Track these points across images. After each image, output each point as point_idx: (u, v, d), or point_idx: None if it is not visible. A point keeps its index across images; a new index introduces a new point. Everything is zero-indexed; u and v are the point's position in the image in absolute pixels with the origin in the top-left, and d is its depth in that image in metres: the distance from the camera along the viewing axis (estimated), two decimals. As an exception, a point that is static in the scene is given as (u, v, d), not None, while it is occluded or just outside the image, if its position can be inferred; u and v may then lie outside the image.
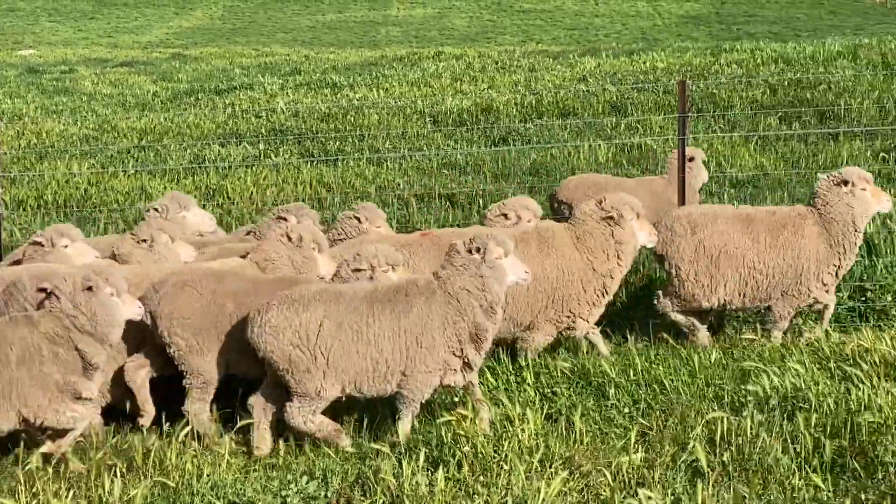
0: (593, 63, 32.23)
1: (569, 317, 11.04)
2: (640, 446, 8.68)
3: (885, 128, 21.19)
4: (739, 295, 11.41)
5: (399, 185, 19.21)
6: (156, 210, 12.94)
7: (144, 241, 11.44)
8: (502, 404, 9.39)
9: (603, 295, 11.08)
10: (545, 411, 9.50)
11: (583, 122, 23.05)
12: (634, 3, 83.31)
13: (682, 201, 13.59)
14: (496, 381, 10.29)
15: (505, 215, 12.04)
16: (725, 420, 8.70)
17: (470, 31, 67.62)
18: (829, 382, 9.13)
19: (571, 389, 10.06)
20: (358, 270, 9.95)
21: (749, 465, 8.20)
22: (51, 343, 8.96)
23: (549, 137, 22.10)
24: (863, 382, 8.98)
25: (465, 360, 9.32)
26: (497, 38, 62.53)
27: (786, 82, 25.09)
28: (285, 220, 12.15)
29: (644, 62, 31.13)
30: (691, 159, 14.74)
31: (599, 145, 20.80)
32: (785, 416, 8.82)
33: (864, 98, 23.11)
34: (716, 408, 9.32)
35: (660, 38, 62.61)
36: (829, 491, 7.81)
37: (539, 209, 12.24)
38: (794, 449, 8.33)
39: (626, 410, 9.63)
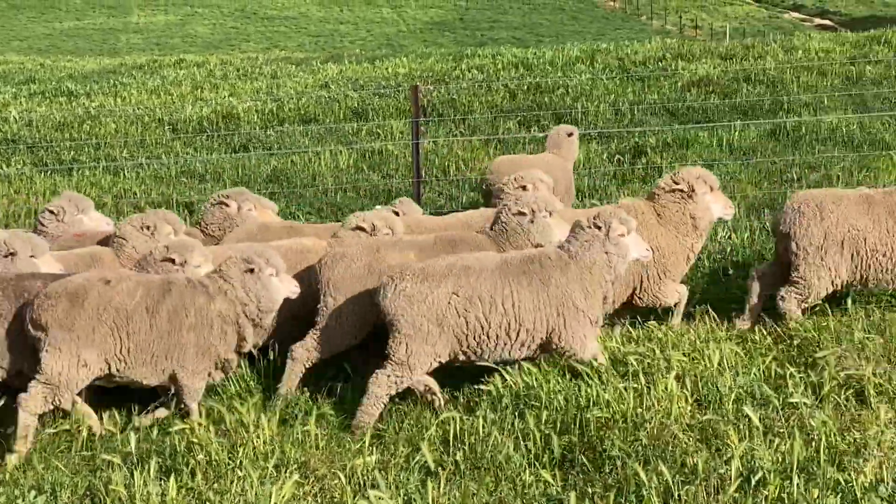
0: (336, 69, 32.18)
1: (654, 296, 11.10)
2: (375, 448, 8.68)
3: (620, 130, 21.71)
4: (860, 279, 11.00)
5: (136, 193, 18.82)
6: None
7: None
8: (236, 410, 9.27)
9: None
10: (279, 416, 9.40)
11: (324, 128, 22.99)
12: (379, 10, 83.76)
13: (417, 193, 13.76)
14: (233, 386, 10.14)
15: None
16: (458, 420, 8.75)
17: (213, 38, 66.98)
18: (560, 380, 9.24)
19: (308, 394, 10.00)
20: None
21: (481, 462, 8.28)
22: (221, 321, 9.59)
23: (290, 144, 21.98)
24: (591, 379, 9.12)
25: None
26: (241, 45, 62.18)
27: (525, 87, 25.47)
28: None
29: (387, 68, 31.20)
30: (570, 134, 15.70)
31: (341, 151, 20.77)
32: (517, 414, 8.91)
33: (600, 101, 23.61)
34: (451, 408, 9.38)
35: (405, 43, 63.23)
36: (558, 486, 7.94)
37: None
38: (526, 446, 8.43)
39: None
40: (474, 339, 9.38)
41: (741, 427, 8.29)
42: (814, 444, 7.88)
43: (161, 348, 9.42)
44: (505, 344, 9.43)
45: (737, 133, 20.41)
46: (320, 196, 18.34)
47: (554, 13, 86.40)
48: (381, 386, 9.34)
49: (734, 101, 22.95)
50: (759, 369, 9.43)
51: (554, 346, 9.47)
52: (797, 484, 7.38)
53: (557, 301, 9.38)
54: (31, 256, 10.43)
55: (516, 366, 9.54)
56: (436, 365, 9.45)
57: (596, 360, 9.48)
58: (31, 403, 9.13)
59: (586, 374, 9.24)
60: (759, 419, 8.30)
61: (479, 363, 9.51)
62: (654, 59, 28.56)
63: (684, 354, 9.69)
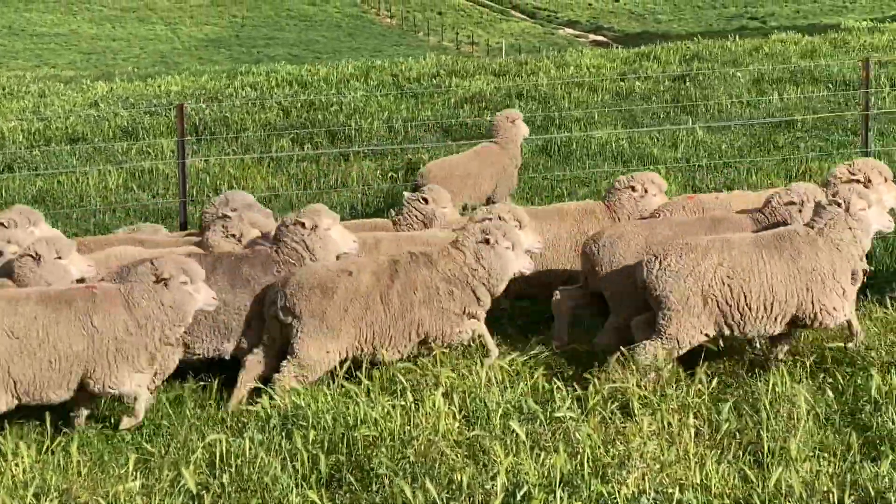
0: (106, 87, 31.57)
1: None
2: (139, 473, 8.47)
3: (394, 147, 21.77)
4: None
5: None
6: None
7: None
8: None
9: None
10: (45, 445, 9.12)
11: (93, 147, 22.46)
12: (153, 27, 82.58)
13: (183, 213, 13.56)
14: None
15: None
16: (225, 441, 8.60)
17: (-22, 55, 65.14)
18: (327, 400, 9.16)
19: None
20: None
21: (248, 484, 8.12)
22: (447, 283, 10.12)
23: (56, 164, 21.40)
24: (359, 398, 9.07)
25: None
26: (9, 62, 60.55)
27: (299, 104, 25.35)
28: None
29: (159, 86, 30.74)
30: (513, 121, 16.77)
31: (109, 171, 20.33)
32: (284, 434, 8.79)
33: (374, 118, 23.64)
34: (218, 430, 9.22)
35: (179, 61, 62.43)
36: (325, 505, 7.86)
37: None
38: (293, 466, 8.32)
39: (129, 438, 9.40)
40: (738, 310, 9.78)
41: (508, 442, 8.32)
42: (578, 456, 7.94)
43: (400, 328, 10.11)
44: (763, 317, 9.81)
45: (510, 149, 20.61)
46: (87, 217, 17.92)
47: (331, 30, 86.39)
48: (648, 356, 9.73)
49: (505, 118, 23.20)
50: (526, 384, 9.50)
51: (805, 320, 9.92)
52: (560, 497, 7.43)
53: (806, 276, 9.75)
54: (58, 258, 10.39)
55: (278, 387, 9.54)
56: (702, 339, 9.88)
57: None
58: (284, 382, 9.85)
59: (354, 392, 9.19)
60: (526, 434, 8.34)
61: (741, 338, 10.10)
62: (429, 75, 28.77)
63: (453, 371, 9.70)
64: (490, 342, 10.42)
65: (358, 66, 31.72)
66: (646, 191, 12.37)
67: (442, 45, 79.02)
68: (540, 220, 11.90)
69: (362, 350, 10.10)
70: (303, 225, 10.59)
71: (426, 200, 12.72)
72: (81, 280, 10.41)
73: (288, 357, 10.03)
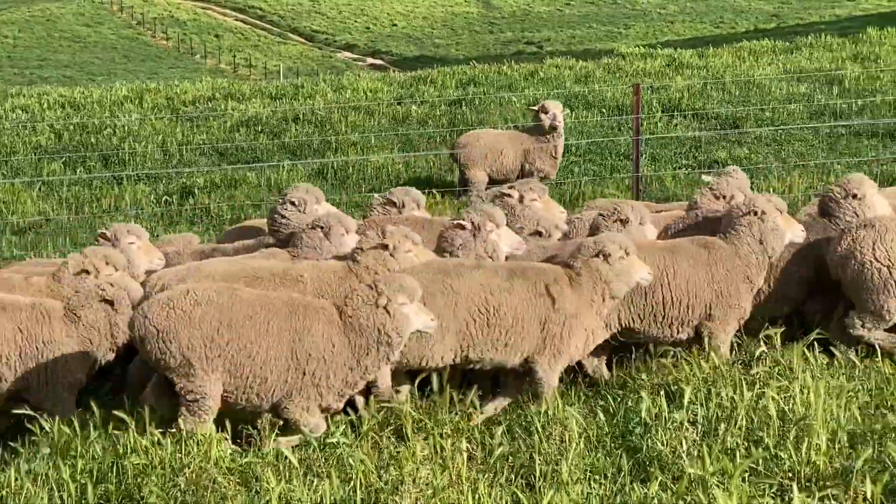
0: None
1: None
2: None
3: (168, 171, 21.52)
4: None
5: None
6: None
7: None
8: None
9: None
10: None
11: None
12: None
13: None
14: None
15: None
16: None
17: None
18: (96, 429, 9.00)
19: None
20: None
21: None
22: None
23: None
24: (129, 427, 8.93)
25: None
26: None
27: (71, 127, 24.87)
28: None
29: (-73, 108, 29.78)
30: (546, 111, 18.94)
31: None
32: (52, 465, 8.60)
33: (148, 142, 23.35)
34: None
35: (-52, 83, 60.49)
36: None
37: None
38: (61, 497, 8.15)
39: None
40: None
41: (281, 468, 8.30)
42: (351, 482, 7.96)
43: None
44: None
45: (285, 173, 20.63)
46: None
47: (105, 51, 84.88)
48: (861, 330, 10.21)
49: (283, 141, 23.19)
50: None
51: None
52: (333, 523, 7.46)
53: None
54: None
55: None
56: None
57: None
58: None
59: (124, 421, 9.05)
60: (299, 460, 8.33)
61: None
62: (205, 98, 28.54)
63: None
64: None
65: (132, 88, 31.24)
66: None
67: (219, 67, 78.39)
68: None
69: None
70: None
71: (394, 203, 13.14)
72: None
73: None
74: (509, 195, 12.62)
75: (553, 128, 18.75)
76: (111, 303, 10.17)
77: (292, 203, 12.12)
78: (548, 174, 18.87)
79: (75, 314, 10.12)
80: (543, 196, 12.83)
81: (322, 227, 11.15)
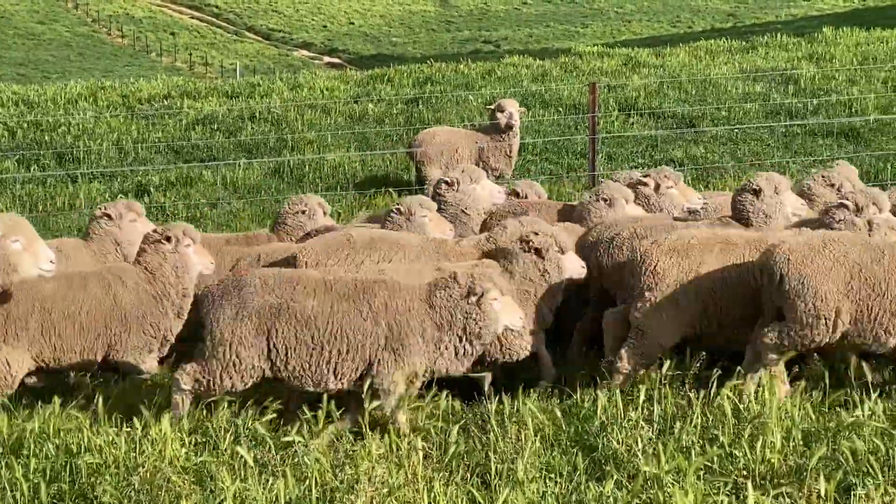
0: None
1: None
2: None
3: (123, 169, 21.40)
4: None
5: None
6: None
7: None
8: None
9: None
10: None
11: None
12: None
13: None
14: None
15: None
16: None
17: None
18: (49, 427, 8.93)
19: None
20: None
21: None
22: None
23: None
24: (84, 424, 8.87)
25: None
26: None
27: (25, 124, 24.68)
28: None
29: None
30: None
31: None
32: (4, 464, 8.52)
33: (103, 140, 23.21)
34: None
35: None
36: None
37: None
38: (14, 496, 8.07)
39: None
40: None
41: (236, 467, 8.25)
42: (307, 481, 7.92)
43: None
44: None
45: (241, 171, 20.55)
46: None
47: (60, 49, 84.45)
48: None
49: (239, 139, 23.11)
50: (256, 409, 9.43)
51: None
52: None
53: None
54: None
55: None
56: None
57: None
58: None
59: (79, 419, 8.99)
60: (254, 459, 8.28)
61: None
62: (160, 96, 28.37)
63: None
64: None
65: (87, 86, 31.01)
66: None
67: (175, 65, 78.12)
68: None
69: None
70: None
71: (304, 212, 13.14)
72: None
73: None
74: (645, 184, 12.73)
75: (509, 126, 18.75)
76: None
77: (447, 183, 13.17)
78: (503, 173, 18.90)
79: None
80: (679, 183, 12.96)
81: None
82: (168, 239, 10.32)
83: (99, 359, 10.16)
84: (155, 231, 10.55)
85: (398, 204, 12.32)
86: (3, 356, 9.76)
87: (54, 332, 9.94)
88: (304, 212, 13.01)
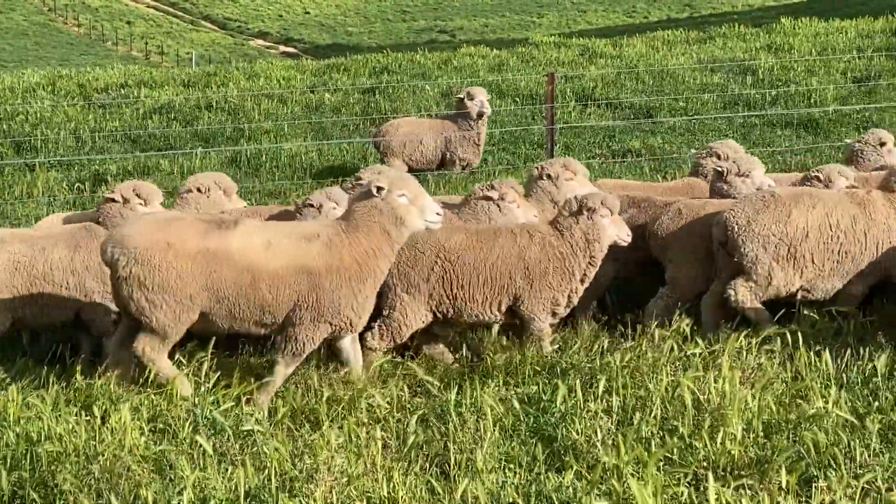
0: None
1: None
2: None
3: (81, 157, 21.30)
4: None
5: None
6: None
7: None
8: None
9: None
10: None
11: None
12: None
13: None
14: None
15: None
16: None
17: None
18: (8, 415, 8.89)
19: None
20: None
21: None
22: None
23: None
24: (44, 412, 8.83)
25: None
26: None
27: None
28: None
29: None
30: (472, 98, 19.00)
31: None
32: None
33: (61, 128, 23.11)
34: None
35: None
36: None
37: None
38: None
39: None
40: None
41: (195, 456, 8.24)
42: (266, 470, 7.92)
43: None
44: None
45: (198, 160, 20.49)
46: None
47: (17, 38, 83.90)
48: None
49: (196, 129, 23.03)
50: (216, 397, 9.42)
51: None
52: (250, 511, 7.43)
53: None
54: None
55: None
56: None
57: None
58: None
59: (39, 407, 8.95)
60: (213, 448, 8.27)
61: None
62: (117, 85, 28.24)
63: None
64: None
65: (45, 75, 30.85)
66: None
67: (131, 54, 77.73)
68: None
69: None
70: None
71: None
72: None
73: None
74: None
75: (480, 114, 18.78)
76: None
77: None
78: (470, 162, 18.93)
79: None
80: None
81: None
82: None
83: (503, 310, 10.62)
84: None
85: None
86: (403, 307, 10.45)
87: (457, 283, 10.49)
88: (199, 189, 12.79)
